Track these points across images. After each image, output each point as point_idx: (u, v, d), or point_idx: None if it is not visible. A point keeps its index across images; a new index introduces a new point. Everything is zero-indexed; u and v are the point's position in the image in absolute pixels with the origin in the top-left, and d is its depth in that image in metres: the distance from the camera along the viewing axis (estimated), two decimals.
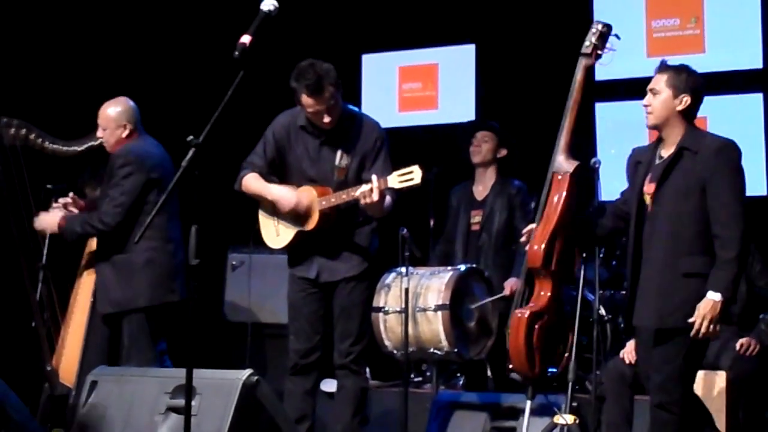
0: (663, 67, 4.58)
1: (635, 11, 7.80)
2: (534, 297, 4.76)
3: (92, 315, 5.80)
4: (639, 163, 4.64)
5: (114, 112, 5.69)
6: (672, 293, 4.39)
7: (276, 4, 4.22)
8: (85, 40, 7.99)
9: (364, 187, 4.92)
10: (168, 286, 5.59)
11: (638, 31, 7.71)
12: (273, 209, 5.24)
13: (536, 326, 4.69)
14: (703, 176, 4.38)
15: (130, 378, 5.14)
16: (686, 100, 4.47)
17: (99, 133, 5.73)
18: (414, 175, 4.90)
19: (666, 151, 4.53)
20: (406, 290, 5.72)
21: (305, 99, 5.03)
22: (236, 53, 4.09)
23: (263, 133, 5.31)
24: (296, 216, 5.16)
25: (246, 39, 4.11)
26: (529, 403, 4.93)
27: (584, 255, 6.85)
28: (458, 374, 6.94)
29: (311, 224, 5.13)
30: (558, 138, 4.77)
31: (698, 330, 4.29)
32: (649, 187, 4.53)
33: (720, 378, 5.52)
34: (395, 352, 6.10)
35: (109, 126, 5.68)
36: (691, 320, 4.29)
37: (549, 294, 4.72)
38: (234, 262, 7.79)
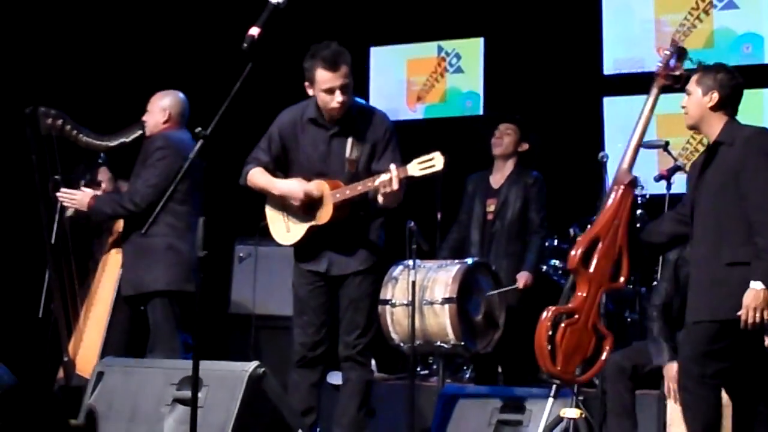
0: (697, 68, 4.67)
1: (644, 5, 7.81)
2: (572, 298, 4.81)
3: (114, 308, 5.82)
4: (695, 166, 4.72)
5: (162, 99, 5.81)
6: (719, 285, 4.44)
7: None
8: (99, 35, 8.06)
9: (384, 177, 4.84)
10: (185, 275, 5.57)
11: (647, 25, 7.71)
12: (282, 204, 5.15)
13: (563, 324, 4.71)
14: (736, 166, 4.45)
15: (136, 369, 5.15)
16: (715, 96, 4.54)
17: (144, 117, 5.82)
18: (435, 161, 4.82)
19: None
20: (413, 283, 5.72)
21: (321, 73, 4.94)
22: (245, 45, 4.09)
23: (268, 128, 5.24)
24: (308, 210, 5.09)
25: (255, 31, 4.11)
26: (551, 401, 4.94)
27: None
28: (464, 367, 6.94)
29: (325, 218, 5.04)
30: (624, 152, 4.82)
31: (746, 321, 4.33)
32: None
33: None
34: (402, 344, 6.11)
35: (154, 110, 5.80)
36: (738, 313, 4.34)
37: (585, 295, 4.73)
38: (241, 254, 7.79)
